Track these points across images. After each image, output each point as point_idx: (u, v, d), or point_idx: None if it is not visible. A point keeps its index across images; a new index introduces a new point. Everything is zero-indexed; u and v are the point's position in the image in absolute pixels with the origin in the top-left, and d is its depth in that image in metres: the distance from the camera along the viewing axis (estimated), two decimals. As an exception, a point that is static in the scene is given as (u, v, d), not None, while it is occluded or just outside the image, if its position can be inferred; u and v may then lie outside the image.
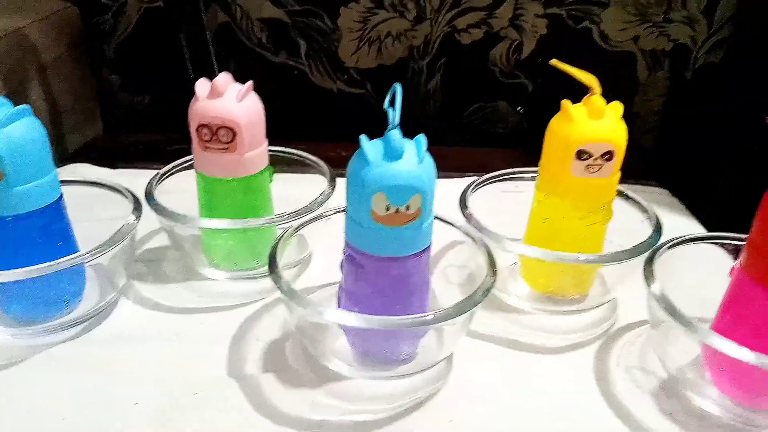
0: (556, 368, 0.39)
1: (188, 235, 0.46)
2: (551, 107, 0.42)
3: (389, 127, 0.34)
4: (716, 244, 0.42)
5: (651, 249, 0.40)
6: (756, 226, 0.34)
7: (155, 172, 0.48)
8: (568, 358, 0.40)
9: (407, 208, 0.33)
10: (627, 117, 0.75)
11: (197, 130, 0.42)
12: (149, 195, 0.44)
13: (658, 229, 0.43)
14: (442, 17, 0.70)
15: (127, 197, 0.44)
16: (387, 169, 0.32)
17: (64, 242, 0.41)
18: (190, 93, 0.41)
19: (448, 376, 0.38)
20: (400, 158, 0.33)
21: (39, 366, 0.38)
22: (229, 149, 0.42)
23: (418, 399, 0.36)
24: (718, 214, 0.63)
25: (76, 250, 0.41)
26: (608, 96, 0.75)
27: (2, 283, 0.38)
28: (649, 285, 0.37)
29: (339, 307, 0.39)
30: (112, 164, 0.64)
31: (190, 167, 0.47)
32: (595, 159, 0.40)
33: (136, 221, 0.42)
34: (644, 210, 0.45)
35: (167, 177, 0.48)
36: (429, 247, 0.36)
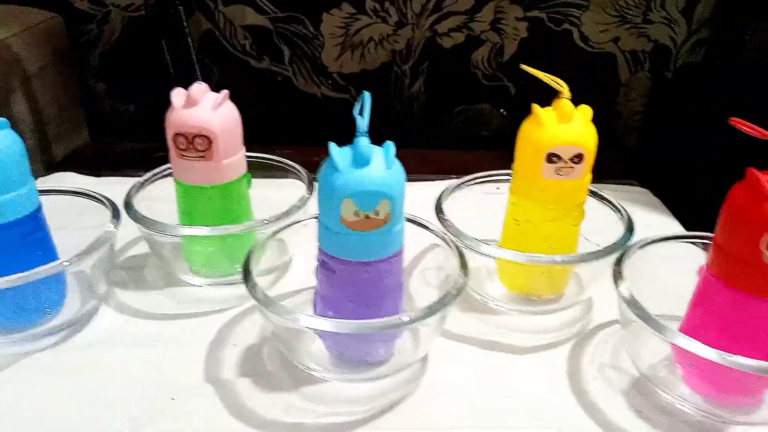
0: (530, 368, 0.40)
1: (168, 242, 0.47)
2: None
3: (357, 133, 0.34)
4: (689, 243, 0.43)
5: (621, 249, 0.41)
6: (719, 226, 0.35)
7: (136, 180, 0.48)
8: (543, 358, 0.41)
9: (376, 213, 0.34)
10: (609, 117, 0.77)
11: (173, 138, 0.42)
12: (128, 204, 0.45)
13: (630, 228, 0.43)
14: (424, 22, 0.70)
15: (106, 206, 0.45)
16: (355, 176, 0.33)
17: (44, 251, 0.42)
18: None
19: (422, 377, 0.39)
20: (369, 164, 0.33)
21: (19, 373, 0.38)
22: (205, 157, 0.42)
23: (391, 401, 0.37)
24: (699, 213, 0.63)
25: (55, 259, 0.42)
26: (591, 97, 0.75)
27: (-18, 293, 0.39)
28: (617, 285, 0.37)
29: (315, 311, 0.39)
30: (98, 172, 0.64)
31: (170, 175, 0.47)
32: (565, 162, 0.40)
33: (114, 229, 0.42)
34: (617, 210, 0.45)
35: (147, 185, 0.49)
36: (401, 251, 0.37)
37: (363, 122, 0.34)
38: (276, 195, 0.47)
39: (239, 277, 0.47)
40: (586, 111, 0.41)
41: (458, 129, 0.76)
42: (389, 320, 0.34)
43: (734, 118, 0.34)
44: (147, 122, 0.42)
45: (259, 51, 0.72)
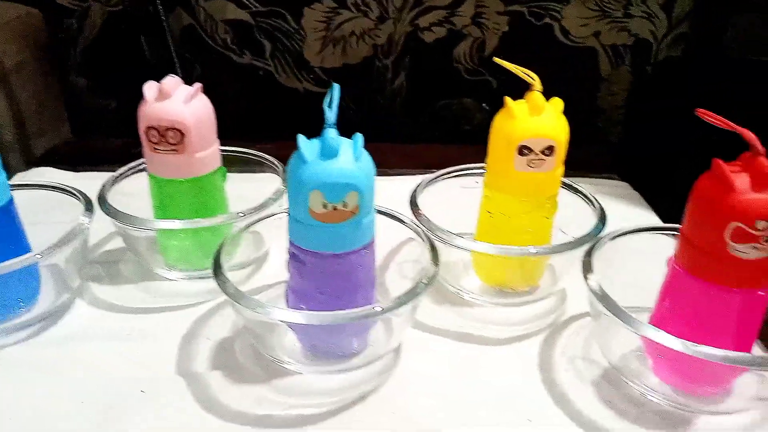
0: (502, 359, 0.40)
1: (143, 237, 0.47)
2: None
3: (325, 125, 0.34)
4: (662, 234, 0.43)
5: (593, 240, 0.41)
6: (686, 217, 0.35)
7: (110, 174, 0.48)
8: (515, 350, 0.41)
9: (345, 205, 0.34)
10: (591, 112, 0.77)
11: (146, 132, 0.42)
12: (102, 198, 0.45)
13: (602, 219, 0.43)
14: (405, 16, 0.70)
15: (80, 200, 0.44)
16: (323, 168, 0.33)
17: (16, 245, 0.42)
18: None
19: (394, 369, 0.39)
20: (336, 156, 0.33)
21: (-9, 367, 0.38)
22: (178, 150, 0.42)
23: (362, 392, 0.37)
24: (679, 206, 0.64)
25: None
26: (572, 91, 0.76)
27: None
28: (586, 278, 0.37)
29: (287, 304, 0.39)
30: (78, 168, 0.64)
31: (145, 169, 0.47)
32: (537, 154, 0.40)
33: (87, 223, 0.42)
34: (590, 202, 0.46)
35: (122, 180, 0.49)
36: (372, 243, 0.37)
37: (331, 114, 0.34)
38: (253, 189, 0.47)
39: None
40: (557, 104, 0.41)
41: (441, 123, 0.76)
42: (359, 311, 0.34)
43: (701, 110, 0.35)
44: (129, 118, 0.42)
45: (241, 46, 0.72)
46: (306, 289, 0.37)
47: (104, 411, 0.35)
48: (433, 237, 0.41)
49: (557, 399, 0.37)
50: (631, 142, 0.76)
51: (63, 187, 0.46)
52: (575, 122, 0.77)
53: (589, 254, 0.39)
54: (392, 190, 0.48)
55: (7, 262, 0.38)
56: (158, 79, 0.43)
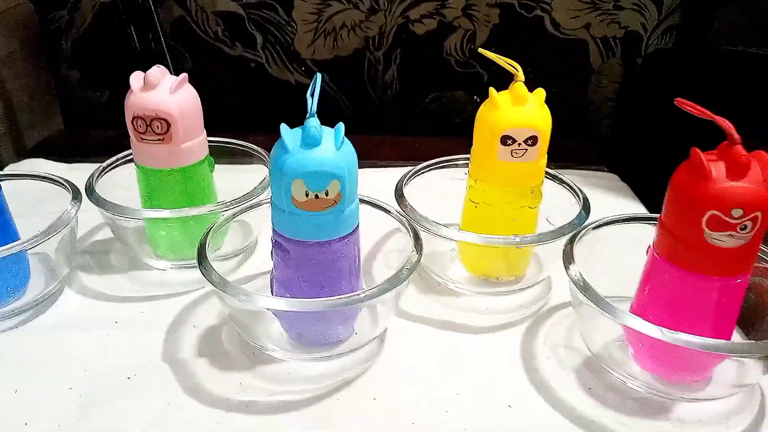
0: (485, 348, 0.41)
1: (131, 227, 0.47)
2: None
3: (308, 115, 0.34)
4: (646, 224, 0.44)
5: (576, 229, 0.41)
6: (664, 206, 0.35)
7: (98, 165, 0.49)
8: (498, 338, 0.41)
9: (326, 193, 0.34)
10: (581, 104, 0.77)
11: (132, 122, 0.42)
12: (89, 188, 0.45)
13: (586, 209, 0.44)
14: (396, 8, 0.70)
15: (67, 189, 0.45)
16: (304, 157, 0.33)
17: (4, 234, 0.42)
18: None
19: (378, 357, 0.39)
20: (318, 145, 0.34)
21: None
22: (164, 140, 0.43)
23: (345, 379, 0.37)
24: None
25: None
26: (563, 83, 0.76)
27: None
28: (567, 268, 0.38)
29: (272, 293, 0.40)
30: (70, 159, 0.64)
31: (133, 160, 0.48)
32: (519, 144, 0.41)
33: (74, 211, 0.43)
34: (574, 192, 0.46)
35: (111, 170, 0.49)
36: (355, 231, 0.37)
37: (312, 104, 0.35)
38: (242, 180, 0.48)
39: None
40: (540, 94, 0.41)
41: (432, 116, 0.77)
42: (342, 298, 0.35)
43: (679, 99, 0.35)
44: (121, 109, 0.42)
45: (232, 37, 0.72)
46: (290, 277, 0.38)
47: (90, 397, 0.35)
48: (417, 227, 0.42)
49: (538, 386, 0.37)
50: (622, 135, 0.77)
51: (50, 177, 0.46)
52: (566, 114, 0.78)
53: (570, 244, 0.39)
54: (384, 182, 0.48)
55: (-6, 250, 0.38)
56: (143, 68, 0.43)
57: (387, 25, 0.72)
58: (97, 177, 0.47)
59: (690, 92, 0.71)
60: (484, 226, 0.44)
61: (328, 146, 0.34)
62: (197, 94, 0.44)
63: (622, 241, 0.43)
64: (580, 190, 0.46)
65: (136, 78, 0.42)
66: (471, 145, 0.44)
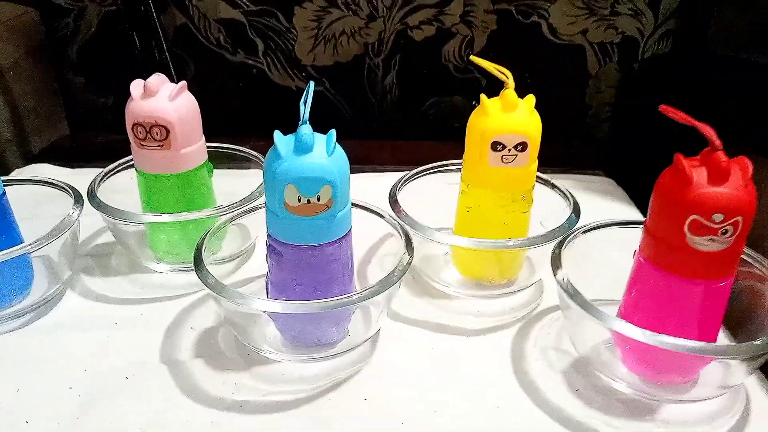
0: (475, 350, 0.41)
1: (132, 231, 0.48)
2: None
3: (300, 122, 0.35)
4: (637, 228, 0.44)
5: (566, 233, 0.42)
6: (649, 210, 0.36)
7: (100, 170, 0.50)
8: (489, 340, 0.42)
9: (318, 198, 0.35)
10: (579, 109, 0.78)
11: (132, 128, 0.44)
12: (91, 193, 0.46)
13: (576, 212, 0.44)
14: (395, 15, 0.71)
15: (69, 194, 0.46)
16: (296, 162, 0.34)
17: (8, 238, 0.43)
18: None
19: (371, 358, 0.40)
20: (310, 151, 0.35)
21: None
22: (163, 146, 0.44)
23: (337, 379, 0.38)
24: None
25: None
26: (560, 89, 0.77)
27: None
28: (555, 272, 0.38)
29: (267, 296, 0.41)
30: (74, 164, 0.66)
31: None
32: (509, 150, 0.41)
33: (76, 215, 0.44)
34: (565, 196, 0.47)
35: (112, 175, 0.50)
36: (347, 235, 0.38)
37: (305, 111, 0.36)
38: (240, 185, 0.48)
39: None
40: (530, 101, 0.42)
41: (431, 120, 0.78)
42: (334, 299, 0.36)
43: (664, 106, 0.36)
44: (125, 115, 0.43)
45: (234, 44, 0.74)
46: (284, 280, 0.39)
47: (90, 396, 0.37)
48: (410, 230, 0.43)
49: (527, 388, 0.38)
50: (619, 139, 0.77)
51: (53, 182, 0.47)
52: (563, 119, 0.78)
53: (558, 248, 0.40)
54: (383, 186, 0.49)
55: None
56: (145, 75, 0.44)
57: (386, 32, 0.73)
58: (99, 182, 0.48)
59: (687, 97, 0.72)
60: (477, 230, 0.45)
61: (320, 152, 0.35)
62: (196, 101, 0.45)
63: (613, 245, 0.44)
64: (570, 194, 0.47)
65: (136, 86, 0.43)
66: (467, 150, 0.45)
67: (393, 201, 0.46)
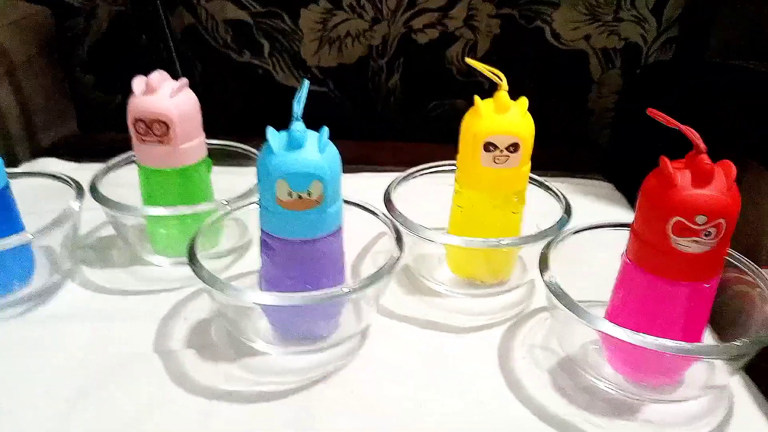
0: (463, 347, 0.42)
1: (132, 225, 0.49)
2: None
3: (293, 119, 0.36)
4: (626, 230, 0.44)
5: (555, 234, 0.42)
6: (635, 213, 0.36)
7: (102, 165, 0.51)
8: (477, 338, 0.43)
9: (309, 194, 0.36)
10: (581, 114, 0.78)
11: (134, 124, 0.45)
12: (93, 187, 0.47)
13: (567, 213, 0.45)
14: (399, 18, 0.72)
15: (72, 186, 0.47)
16: (288, 158, 0.35)
17: (11, 227, 0.44)
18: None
19: (360, 352, 0.41)
20: (301, 147, 0.35)
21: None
22: (163, 141, 0.45)
23: (326, 372, 0.39)
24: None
25: (22, 236, 0.44)
26: (563, 94, 0.77)
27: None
28: (542, 273, 0.39)
29: (261, 290, 0.41)
30: (82, 160, 0.67)
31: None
32: (501, 150, 0.42)
33: (77, 206, 0.45)
34: (557, 197, 0.47)
35: (115, 170, 0.51)
36: (338, 231, 0.39)
37: (298, 108, 0.37)
38: (240, 182, 0.49)
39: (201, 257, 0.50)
40: (523, 102, 0.42)
41: (433, 123, 0.78)
42: (324, 292, 0.36)
43: (651, 110, 0.36)
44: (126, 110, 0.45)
45: (240, 45, 0.75)
46: (276, 274, 0.39)
47: (83, 384, 0.37)
48: (402, 229, 0.43)
49: (512, 385, 0.39)
50: (621, 144, 0.78)
51: (56, 175, 0.49)
52: (565, 124, 0.79)
53: (546, 249, 0.41)
54: (382, 186, 0.50)
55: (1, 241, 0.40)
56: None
57: (390, 35, 0.73)
58: (101, 176, 0.49)
59: (689, 103, 0.72)
60: (470, 229, 0.46)
61: (311, 149, 0.36)
62: (197, 98, 0.46)
63: (603, 247, 0.44)
64: (563, 195, 0.47)
65: (138, 82, 0.44)
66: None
67: (387, 200, 0.47)
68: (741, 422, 0.37)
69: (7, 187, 0.44)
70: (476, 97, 0.43)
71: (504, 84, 0.43)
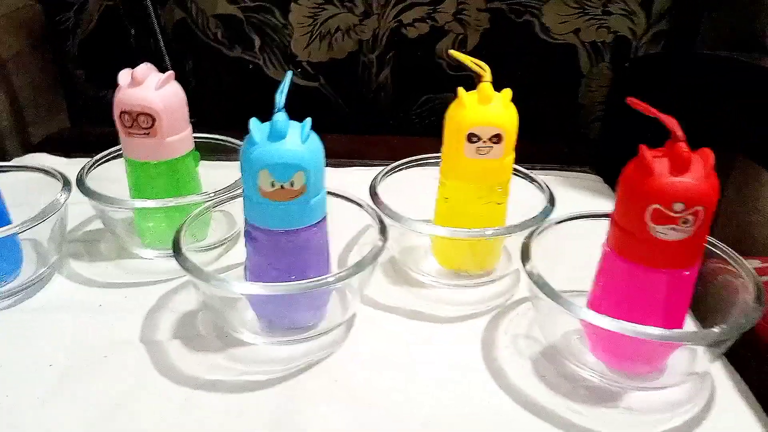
0: (446, 336, 0.42)
1: (120, 217, 0.50)
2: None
3: (275, 110, 0.37)
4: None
5: (538, 224, 0.43)
6: (615, 201, 0.36)
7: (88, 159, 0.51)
8: (462, 328, 0.43)
9: (291, 184, 0.36)
10: (571, 108, 0.78)
11: (120, 116, 0.45)
12: (80, 180, 0.48)
13: (551, 203, 0.45)
14: (389, 12, 0.72)
15: (59, 179, 0.47)
16: (270, 149, 0.35)
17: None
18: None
19: (345, 342, 0.41)
20: (284, 138, 0.36)
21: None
22: (150, 134, 0.45)
23: (310, 361, 0.39)
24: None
25: (9, 229, 0.44)
26: (552, 88, 0.77)
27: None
28: (524, 263, 0.39)
29: (246, 281, 0.42)
30: (74, 154, 0.67)
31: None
32: (485, 141, 0.42)
33: (63, 198, 0.45)
34: (541, 188, 0.47)
35: (102, 163, 0.52)
36: (322, 221, 0.39)
37: (281, 99, 0.37)
38: (229, 175, 0.50)
39: (189, 249, 0.50)
40: (506, 94, 0.43)
41: (424, 117, 0.78)
42: (307, 281, 0.37)
43: (631, 99, 0.36)
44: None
45: (231, 40, 0.75)
46: (260, 265, 0.40)
47: (68, 373, 0.38)
48: (390, 221, 0.43)
49: (494, 374, 0.39)
50: (611, 138, 0.78)
51: (43, 168, 0.49)
52: (555, 118, 0.79)
53: (528, 239, 0.41)
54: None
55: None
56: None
57: (380, 29, 0.74)
58: (89, 170, 0.50)
59: (678, 97, 0.72)
60: (454, 220, 0.46)
61: (293, 139, 0.36)
62: (183, 91, 0.47)
63: (586, 236, 0.44)
64: (547, 186, 0.47)
65: (124, 75, 0.45)
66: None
67: (373, 192, 0.47)
68: (722, 408, 0.37)
69: (-7, 179, 0.44)
70: (460, 89, 0.43)
71: (487, 75, 0.43)
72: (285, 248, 0.39)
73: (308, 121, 0.37)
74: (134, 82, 0.44)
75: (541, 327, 0.41)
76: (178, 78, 0.47)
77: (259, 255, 0.39)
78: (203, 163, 0.51)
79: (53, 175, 0.48)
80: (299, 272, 0.39)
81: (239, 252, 0.51)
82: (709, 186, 0.33)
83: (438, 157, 0.51)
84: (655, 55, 0.73)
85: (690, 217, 0.33)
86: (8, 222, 0.45)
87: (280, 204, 0.37)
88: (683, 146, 0.33)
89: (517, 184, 0.49)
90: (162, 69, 0.46)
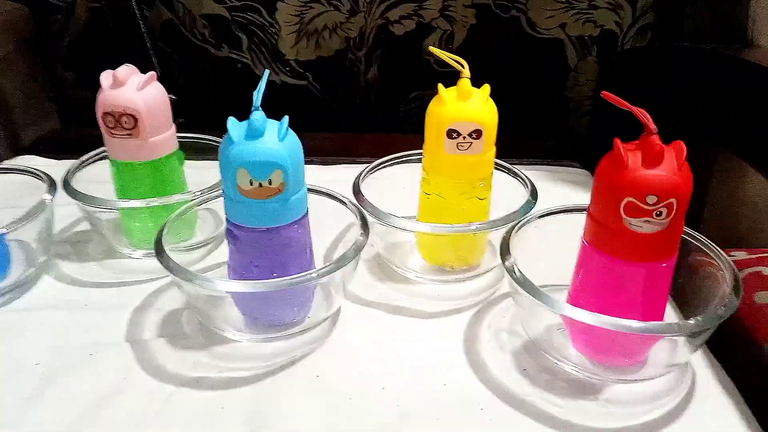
0: (430, 331, 0.42)
1: (106, 218, 0.50)
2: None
3: (252, 108, 0.37)
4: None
5: (520, 218, 0.43)
6: (591, 195, 0.37)
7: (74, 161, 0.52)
8: (445, 322, 0.43)
9: (270, 182, 0.36)
10: (559, 102, 0.78)
11: (102, 117, 0.45)
12: (65, 182, 0.48)
13: (533, 196, 0.46)
14: (375, 9, 0.73)
15: (44, 181, 0.48)
16: (247, 147, 0.36)
17: (-17, 223, 0.45)
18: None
19: (329, 337, 0.42)
20: (261, 137, 0.36)
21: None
22: (133, 135, 0.45)
23: (293, 357, 0.40)
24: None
25: (-3, 231, 0.45)
26: (540, 82, 0.77)
27: None
28: (504, 259, 0.39)
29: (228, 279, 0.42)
30: (64, 157, 0.67)
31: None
32: (464, 137, 0.42)
33: (49, 199, 0.45)
34: (523, 182, 0.48)
35: (88, 165, 0.52)
36: (303, 219, 0.40)
37: (258, 98, 0.37)
38: (216, 175, 0.50)
39: (173, 248, 0.50)
40: (485, 89, 0.43)
41: (413, 113, 0.79)
42: (288, 278, 0.37)
43: (605, 92, 0.37)
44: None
45: (218, 39, 0.75)
46: (242, 263, 0.40)
47: (53, 371, 0.38)
48: (373, 218, 0.44)
49: (475, 367, 0.39)
50: (599, 132, 0.78)
51: (29, 170, 0.49)
52: (543, 112, 0.79)
53: (508, 235, 0.41)
54: None
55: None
56: (141, 71, 0.46)
57: (367, 27, 0.74)
58: (74, 171, 0.50)
59: (667, 90, 0.72)
60: (437, 216, 0.46)
61: (271, 137, 0.36)
62: (165, 91, 0.47)
63: (571, 231, 0.44)
64: (529, 180, 0.48)
65: (105, 76, 0.45)
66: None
67: (356, 190, 0.48)
68: (702, 397, 0.37)
69: (-22, 182, 0.45)
70: (440, 85, 0.44)
71: (466, 71, 0.43)
72: (266, 246, 0.39)
73: (285, 119, 0.37)
74: (116, 83, 0.45)
75: (523, 322, 0.42)
76: (165, 78, 0.47)
77: (241, 253, 0.40)
78: (191, 163, 0.52)
79: (39, 177, 0.48)
80: (281, 269, 0.40)
81: (225, 251, 0.51)
82: (682, 178, 0.33)
83: (420, 154, 0.51)
84: (642, 48, 0.74)
85: (663, 210, 0.33)
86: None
87: (260, 202, 0.37)
88: (656, 139, 0.34)
89: (501, 179, 0.49)
90: (149, 70, 0.46)
